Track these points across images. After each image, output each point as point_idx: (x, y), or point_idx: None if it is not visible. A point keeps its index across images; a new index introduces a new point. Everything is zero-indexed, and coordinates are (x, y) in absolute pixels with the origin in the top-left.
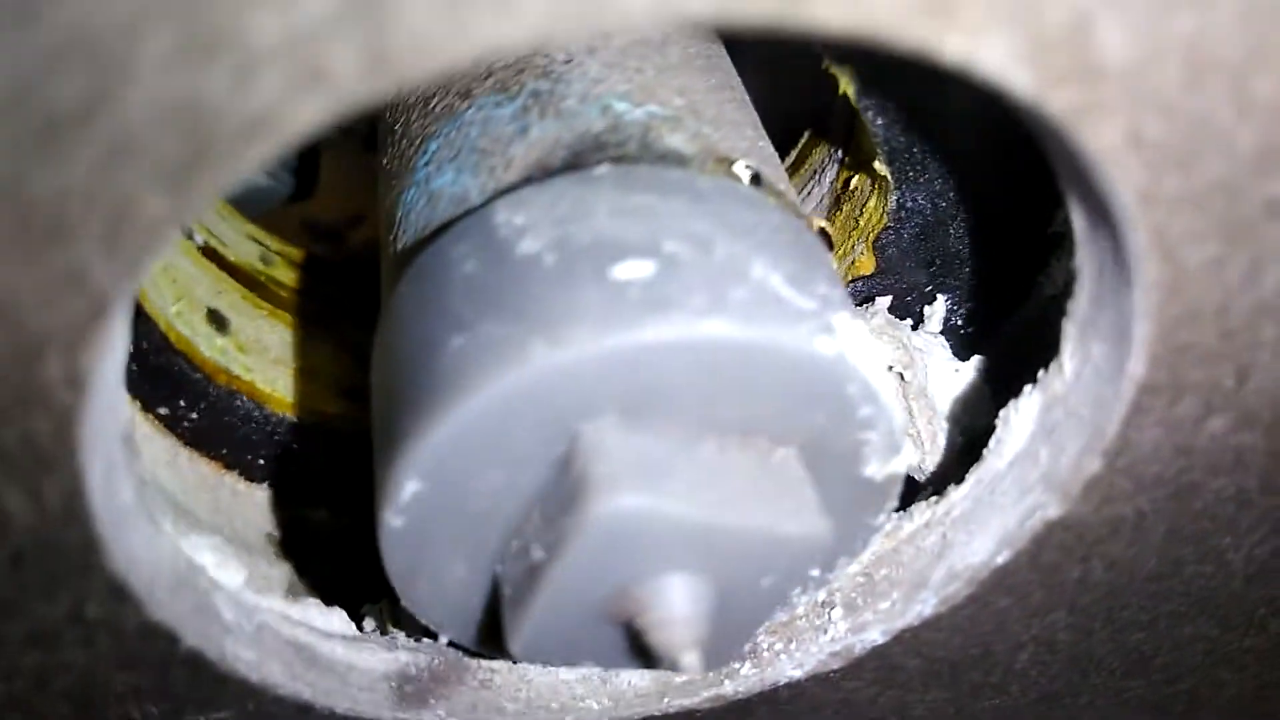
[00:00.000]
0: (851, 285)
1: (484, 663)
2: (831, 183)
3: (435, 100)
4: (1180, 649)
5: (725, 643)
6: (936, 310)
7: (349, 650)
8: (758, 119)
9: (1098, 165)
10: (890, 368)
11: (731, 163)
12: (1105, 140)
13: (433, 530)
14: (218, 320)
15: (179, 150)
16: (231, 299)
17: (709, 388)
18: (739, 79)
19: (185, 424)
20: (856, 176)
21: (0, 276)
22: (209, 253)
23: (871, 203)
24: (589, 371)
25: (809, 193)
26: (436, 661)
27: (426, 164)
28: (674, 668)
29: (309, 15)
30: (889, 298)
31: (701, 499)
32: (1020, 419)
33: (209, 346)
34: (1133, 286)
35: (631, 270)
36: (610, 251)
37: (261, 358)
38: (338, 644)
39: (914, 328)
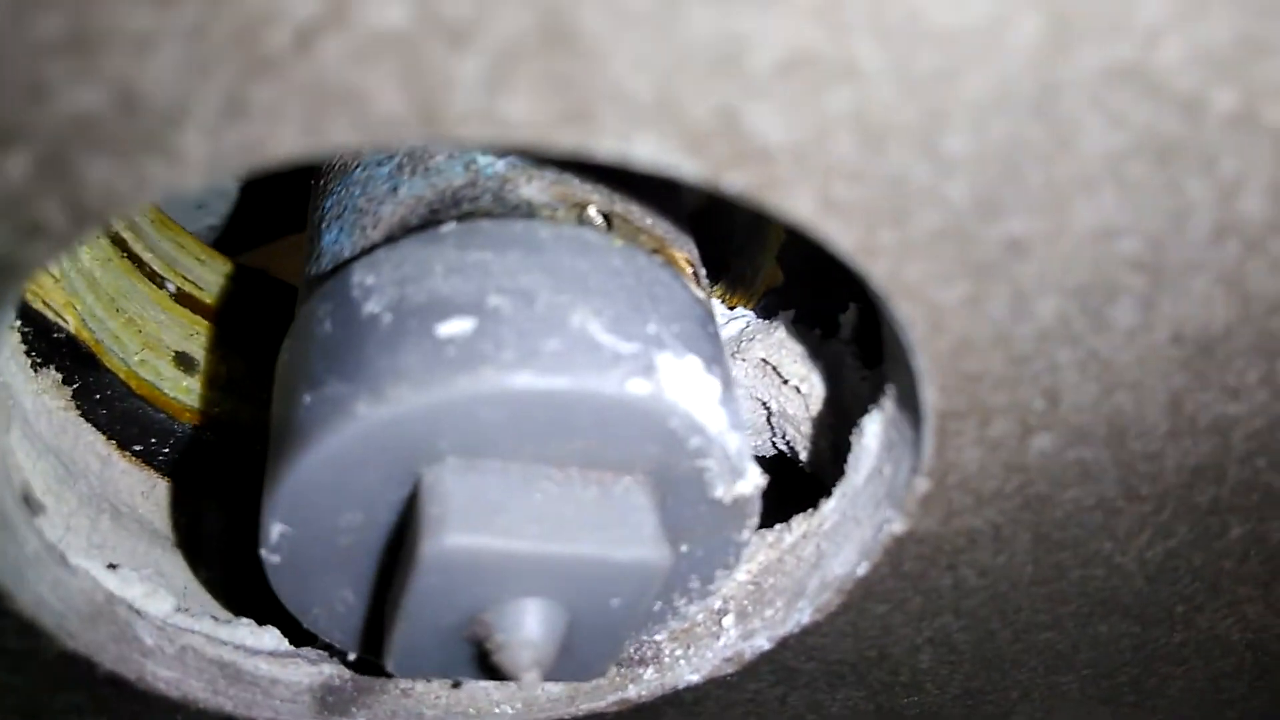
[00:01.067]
0: (764, 299)
1: None
2: None
3: (337, 160)
4: (1102, 646)
5: (594, 655)
6: (848, 319)
7: (274, 665)
8: None
9: (805, 228)
10: (786, 381)
11: (585, 207)
12: (801, 209)
13: (309, 564)
14: (185, 363)
15: None
16: (203, 341)
17: (535, 431)
18: None
19: (159, 458)
20: None
21: None
22: (183, 298)
23: (773, 222)
24: (415, 424)
25: None
26: (361, 674)
27: (321, 221)
28: (518, 685)
29: (14, 181)
30: (792, 311)
31: (533, 531)
32: (869, 438)
33: (174, 388)
34: (896, 325)
35: (453, 328)
36: (438, 310)
37: (226, 391)
38: (262, 660)
39: (825, 337)
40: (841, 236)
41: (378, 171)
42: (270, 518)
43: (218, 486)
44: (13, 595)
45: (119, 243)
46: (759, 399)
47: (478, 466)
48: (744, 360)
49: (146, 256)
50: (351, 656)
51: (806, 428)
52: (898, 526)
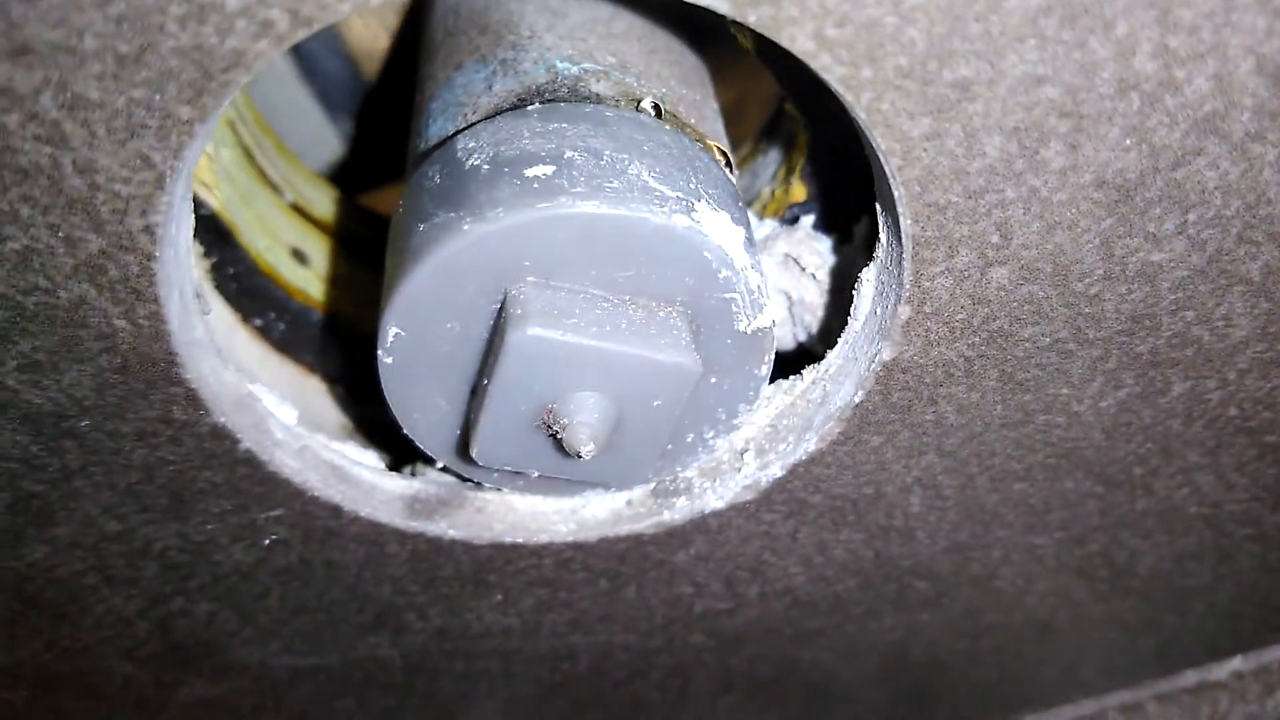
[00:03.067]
0: (790, 210)
1: (481, 493)
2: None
3: (439, 72)
4: (1071, 505)
5: (640, 455)
6: (860, 229)
7: (375, 475)
8: (692, 75)
9: (806, 63)
10: (804, 269)
11: (640, 100)
12: (801, 44)
13: (414, 367)
14: (300, 256)
15: (193, 76)
16: (313, 243)
17: (598, 254)
18: (687, 49)
19: (274, 333)
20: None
21: (101, 161)
22: (296, 209)
23: (799, 139)
24: (507, 241)
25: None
26: (444, 490)
27: (426, 118)
28: (579, 456)
29: None
30: (812, 216)
31: (593, 331)
32: (865, 286)
33: (292, 274)
34: (879, 155)
35: (538, 171)
36: (526, 160)
37: (334, 285)
38: (365, 470)
39: (840, 244)
40: (832, 70)
41: (475, 76)
42: (388, 322)
43: (324, 362)
44: (185, 366)
45: (249, 156)
46: (782, 290)
47: (553, 285)
48: (769, 256)
49: (270, 171)
50: (439, 465)
51: (822, 313)
52: (886, 354)
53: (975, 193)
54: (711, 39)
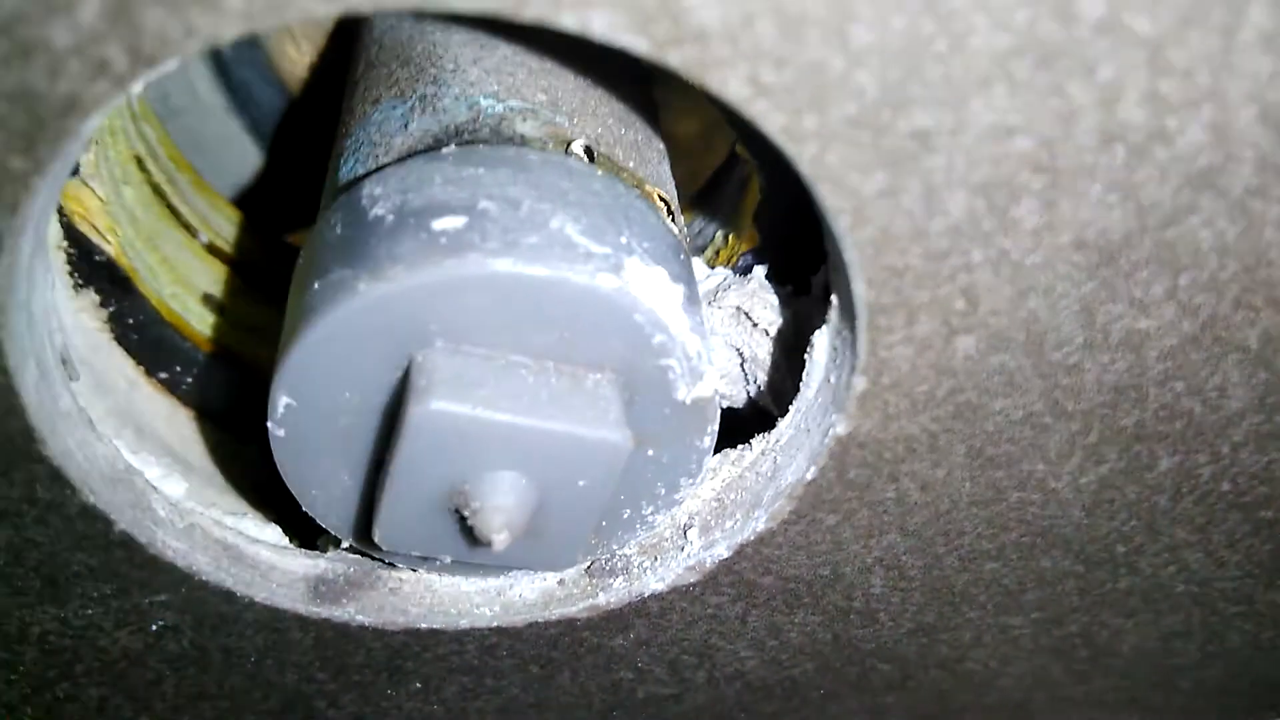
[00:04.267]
0: (743, 258)
1: (395, 573)
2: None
3: (358, 107)
4: (1048, 585)
5: (564, 540)
6: (819, 279)
7: (274, 554)
8: (633, 114)
9: (739, 109)
10: (756, 324)
11: (570, 143)
12: (733, 90)
13: (310, 440)
14: (213, 303)
15: (22, 124)
16: (231, 288)
17: (514, 317)
18: (631, 84)
19: (180, 387)
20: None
21: None
22: (214, 251)
23: (752, 182)
24: (409, 303)
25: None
26: (353, 570)
27: (340, 157)
28: (490, 546)
29: (85, 23)
30: (765, 266)
31: (509, 405)
32: (818, 352)
33: (201, 323)
34: (826, 214)
35: (446, 223)
36: (434, 210)
37: (251, 334)
38: (264, 548)
39: (796, 294)
40: (770, 119)
41: (392, 113)
42: (278, 391)
43: (235, 417)
44: (46, 441)
45: (159, 193)
46: (733, 346)
47: (463, 351)
48: (720, 308)
49: (184, 210)
50: (344, 544)
51: (775, 372)
52: (841, 428)
53: (937, 255)
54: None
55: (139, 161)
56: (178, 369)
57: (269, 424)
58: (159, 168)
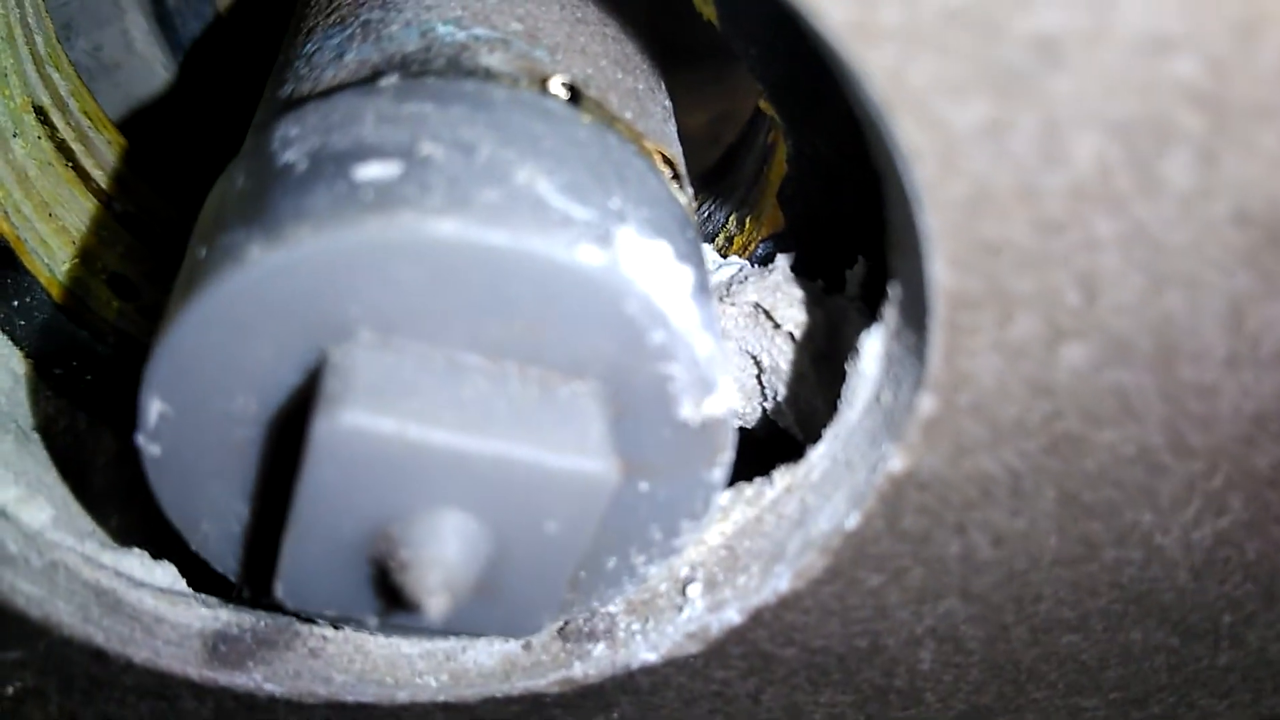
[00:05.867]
0: (762, 245)
1: (317, 629)
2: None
3: (290, 43)
4: (1133, 661)
5: (526, 601)
6: (855, 274)
7: (161, 602)
8: (634, 60)
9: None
10: (779, 326)
11: (547, 79)
12: None
13: (196, 460)
14: (123, 285)
15: None
16: (149, 268)
17: (464, 302)
18: (633, 28)
19: (77, 386)
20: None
21: None
22: (127, 220)
23: (776, 149)
24: (320, 277)
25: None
26: (263, 624)
27: (267, 94)
28: (421, 613)
29: None
30: (790, 255)
31: (452, 421)
32: (866, 361)
33: (106, 309)
34: (899, 160)
35: (373, 171)
36: (360, 154)
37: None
38: (149, 594)
39: (828, 292)
40: (832, 9)
41: (326, 44)
42: (149, 393)
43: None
44: None
45: (65, 151)
46: (749, 352)
47: (396, 346)
48: (734, 305)
49: (95, 173)
50: (247, 595)
51: (801, 384)
52: (897, 463)
53: (1051, 226)
54: (685, 55)
55: (39, 112)
56: (75, 364)
57: (138, 438)
58: (68, 122)
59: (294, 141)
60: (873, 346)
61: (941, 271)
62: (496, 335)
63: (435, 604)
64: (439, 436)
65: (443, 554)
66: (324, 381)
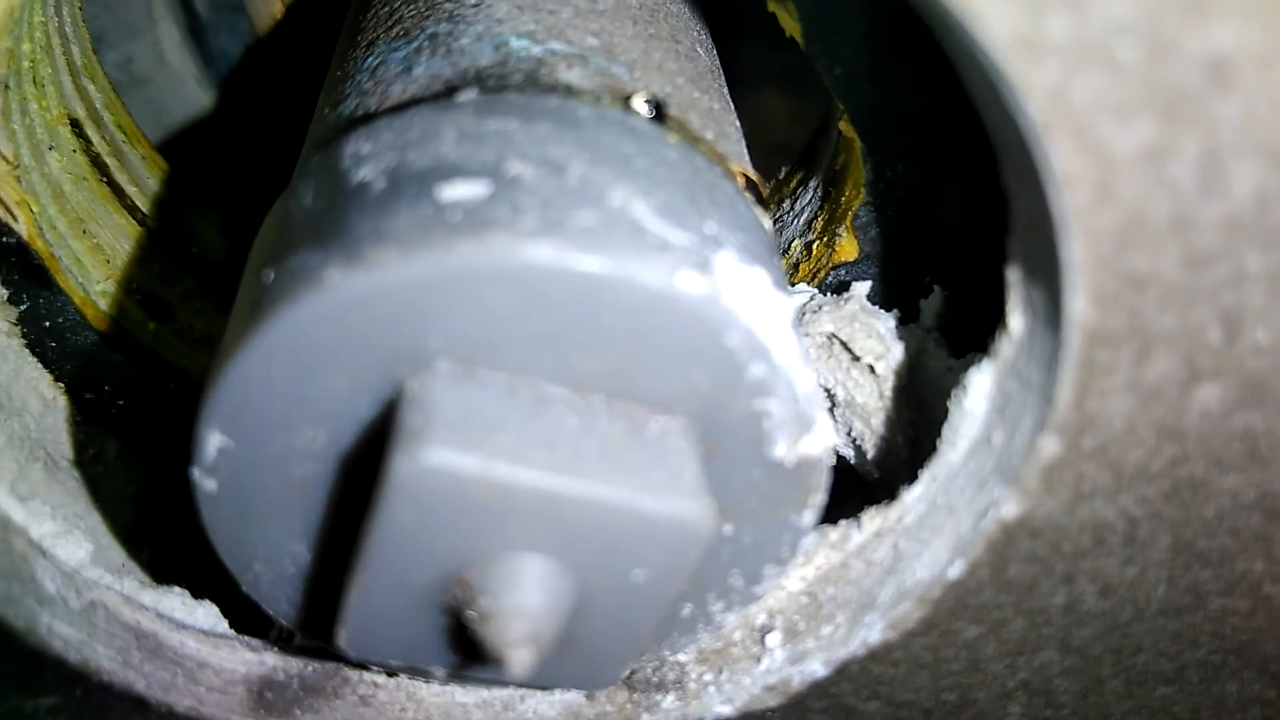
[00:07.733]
0: (833, 273)
1: (368, 675)
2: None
3: (347, 55)
4: (1226, 714)
5: (605, 653)
6: (931, 304)
7: (204, 645)
8: (706, 77)
9: (943, 10)
10: (857, 358)
11: (629, 97)
12: None
13: (254, 498)
14: (159, 307)
15: None
16: (184, 289)
17: (554, 331)
18: (702, 43)
19: (109, 412)
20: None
21: None
22: (163, 240)
23: (852, 171)
24: (402, 303)
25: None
26: (311, 669)
27: (325, 109)
28: (503, 667)
29: None
30: (868, 283)
31: (539, 460)
32: (973, 398)
33: (142, 331)
34: (1050, 185)
35: (461, 191)
36: (443, 173)
37: (205, 349)
38: (191, 637)
39: (903, 323)
40: (996, 18)
41: (392, 56)
42: (208, 426)
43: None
44: None
45: (99, 166)
46: (823, 385)
47: (478, 378)
48: (807, 335)
49: (130, 189)
50: (299, 641)
51: (879, 420)
52: (1010, 509)
53: (1200, 259)
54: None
55: (75, 125)
56: (107, 389)
57: (193, 472)
58: (102, 136)
59: (368, 158)
60: (981, 383)
61: (1082, 306)
62: (584, 367)
63: (519, 658)
64: (527, 476)
65: (526, 603)
66: (402, 415)
